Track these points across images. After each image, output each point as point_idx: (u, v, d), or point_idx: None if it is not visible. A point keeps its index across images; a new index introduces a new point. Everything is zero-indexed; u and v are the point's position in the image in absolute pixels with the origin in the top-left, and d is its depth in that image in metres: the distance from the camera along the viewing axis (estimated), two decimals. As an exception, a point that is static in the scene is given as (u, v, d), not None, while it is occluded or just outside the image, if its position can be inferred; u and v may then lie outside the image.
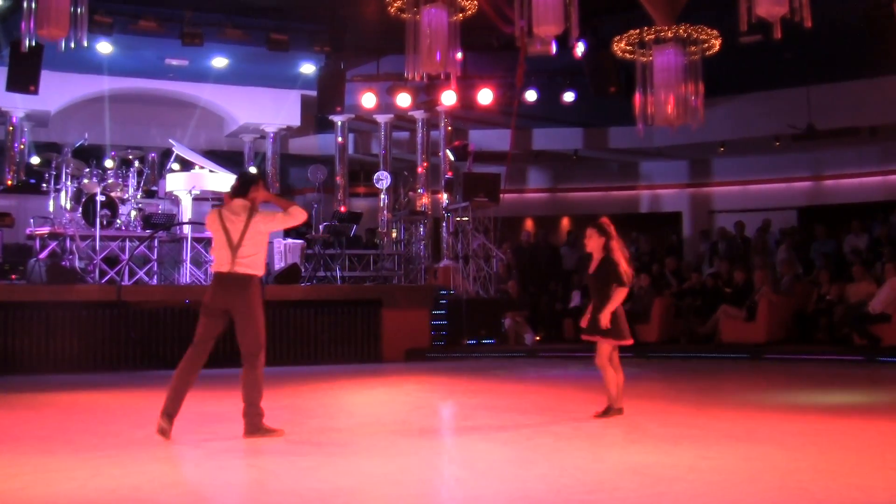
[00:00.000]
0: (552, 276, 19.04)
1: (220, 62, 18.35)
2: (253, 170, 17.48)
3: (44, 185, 15.72)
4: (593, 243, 8.44)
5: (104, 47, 17.08)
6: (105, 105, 19.30)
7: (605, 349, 8.27)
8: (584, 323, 8.47)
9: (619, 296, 8.23)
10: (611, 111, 19.36)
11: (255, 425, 7.38)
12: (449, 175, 19.15)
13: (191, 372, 7.50)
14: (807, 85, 18.64)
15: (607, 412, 8.24)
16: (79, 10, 10.79)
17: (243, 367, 7.46)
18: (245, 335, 7.44)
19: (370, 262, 17.71)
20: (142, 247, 14.99)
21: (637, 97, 12.52)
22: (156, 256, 15.29)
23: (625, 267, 8.32)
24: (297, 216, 7.61)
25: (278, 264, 16.08)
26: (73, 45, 11.02)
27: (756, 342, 15.00)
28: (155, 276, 15.19)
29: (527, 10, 10.77)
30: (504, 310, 16.82)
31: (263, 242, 7.53)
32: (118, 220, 15.18)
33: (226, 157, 20.08)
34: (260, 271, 7.50)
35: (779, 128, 19.25)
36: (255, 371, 7.41)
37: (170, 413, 7.32)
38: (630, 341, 8.41)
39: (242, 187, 7.63)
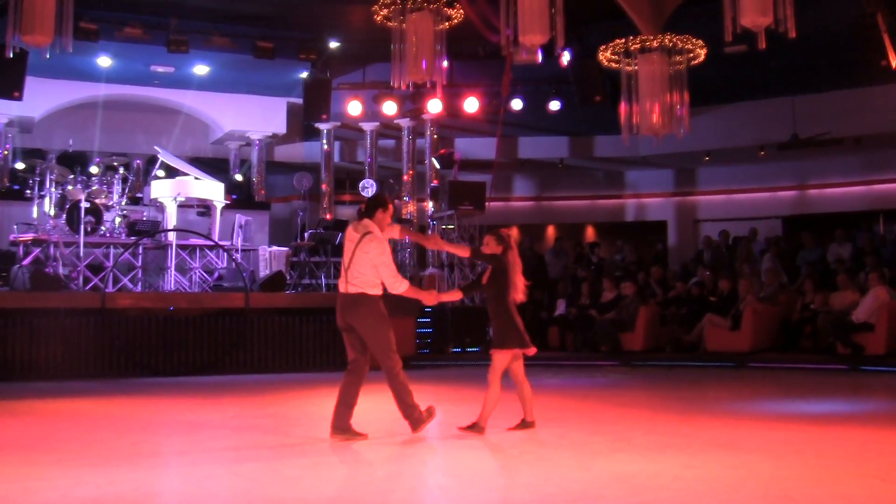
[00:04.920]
0: (537, 284, 18.98)
1: (205, 69, 18.33)
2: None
3: (28, 191, 15.68)
4: (490, 251, 8.09)
5: (104, 61, 17.16)
6: (90, 111, 19.26)
7: (504, 361, 7.93)
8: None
9: (460, 250, 8.21)
10: (596, 120, 19.42)
11: (416, 420, 7.76)
12: (435, 183, 19.16)
13: (350, 389, 7.73)
14: (792, 95, 18.74)
15: (473, 428, 7.86)
16: (63, 16, 10.74)
17: (386, 377, 7.75)
18: (372, 349, 7.72)
19: (355, 270, 17.65)
20: (126, 254, 14.94)
21: (623, 106, 12.55)
22: (140, 263, 15.25)
23: (520, 278, 8.01)
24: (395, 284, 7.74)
25: (263, 272, 16.05)
26: (58, 51, 10.98)
27: (741, 351, 15.02)
28: (139, 283, 15.14)
29: (513, 19, 10.80)
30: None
31: (373, 264, 7.63)
32: (102, 227, 15.11)
33: (211, 165, 20.07)
34: (372, 290, 7.64)
35: (763, 137, 19.34)
36: (395, 379, 7.69)
37: (338, 427, 7.65)
38: (533, 350, 8.05)
39: (369, 208, 7.92)
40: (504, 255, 8.02)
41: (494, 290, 8.07)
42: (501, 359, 7.96)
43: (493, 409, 7.93)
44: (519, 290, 8.02)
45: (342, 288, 7.76)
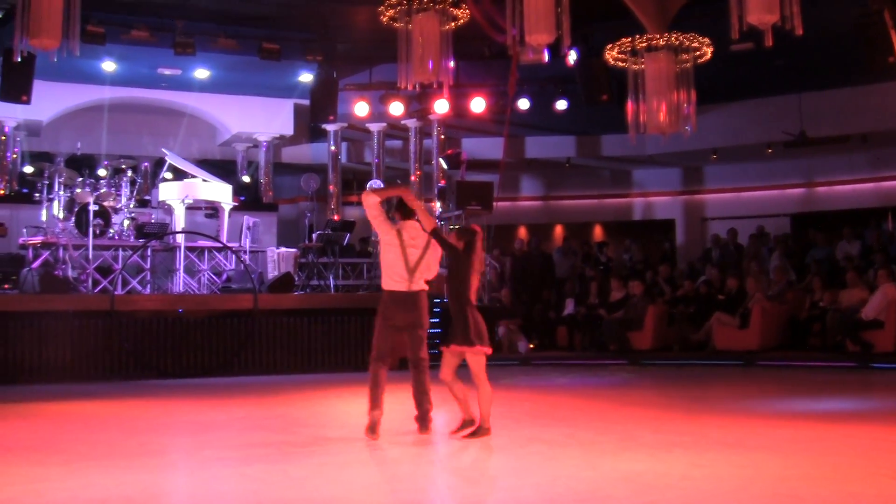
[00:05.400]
0: (545, 284, 19.04)
1: (211, 72, 18.35)
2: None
3: (36, 194, 15.71)
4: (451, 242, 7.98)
5: (111, 65, 17.25)
6: (97, 114, 19.31)
7: (481, 360, 7.81)
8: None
9: (427, 220, 7.93)
10: (603, 119, 19.39)
11: (429, 415, 8.06)
12: (442, 183, 19.14)
13: (380, 380, 7.96)
14: (798, 92, 18.70)
15: (478, 431, 7.73)
16: (71, 19, 10.75)
17: (412, 373, 8.08)
18: (419, 342, 8.14)
19: (363, 271, 17.69)
20: (135, 256, 14.97)
21: (629, 105, 12.51)
22: (149, 265, 15.27)
23: (476, 279, 7.93)
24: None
25: (271, 273, 16.06)
26: (65, 54, 11.00)
27: (749, 349, 15.00)
28: (148, 286, 15.17)
29: (518, 19, 10.77)
30: (497, 318, 16.79)
31: (431, 264, 8.16)
32: (111, 230, 15.15)
33: (218, 167, 20.09)
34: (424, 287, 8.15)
35: (771, 135, 19.31)
36: (425, 372, 8.07)
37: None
38: (489, 350, 7.91)
39: (412, 209, 8.13)
40: (464, 252, 7.89)
41: (453, 286, 7.96)
42: (477, 359, 7.83)
43: (490, 406, 7.86)
44: (472, 291, 7.94)
45: (404, 287, 8.02)
